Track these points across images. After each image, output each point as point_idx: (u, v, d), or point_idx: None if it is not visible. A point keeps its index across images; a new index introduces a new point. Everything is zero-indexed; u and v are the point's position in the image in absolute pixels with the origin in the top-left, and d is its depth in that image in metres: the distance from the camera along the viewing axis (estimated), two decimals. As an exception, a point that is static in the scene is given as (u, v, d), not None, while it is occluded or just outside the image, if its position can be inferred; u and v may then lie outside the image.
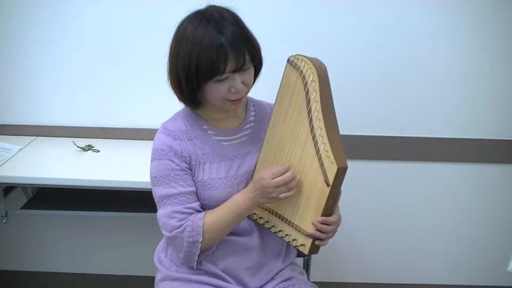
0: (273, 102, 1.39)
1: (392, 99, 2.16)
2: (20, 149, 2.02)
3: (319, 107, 1.26)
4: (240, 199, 1.33)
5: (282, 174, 1.27)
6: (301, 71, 1.28)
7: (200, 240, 1.31)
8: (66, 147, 2.06)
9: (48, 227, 2.36)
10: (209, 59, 1.22)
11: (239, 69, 1.26)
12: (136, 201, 1.98)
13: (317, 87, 1.26)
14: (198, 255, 1.34)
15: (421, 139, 2.20)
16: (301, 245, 1.33)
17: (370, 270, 2.43)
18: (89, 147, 2.05)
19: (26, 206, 2.04)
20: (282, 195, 1.27)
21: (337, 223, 1.33)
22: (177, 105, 1.41)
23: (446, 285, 2.44)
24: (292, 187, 1.28)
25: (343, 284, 2.44)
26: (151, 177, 1.36)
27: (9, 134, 2.16)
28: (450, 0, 2.04)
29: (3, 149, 1.99)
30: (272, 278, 1.44)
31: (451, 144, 2.21)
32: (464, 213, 2.33)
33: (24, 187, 2.08)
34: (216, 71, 1.23)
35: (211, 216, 1.32)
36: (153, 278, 1.50)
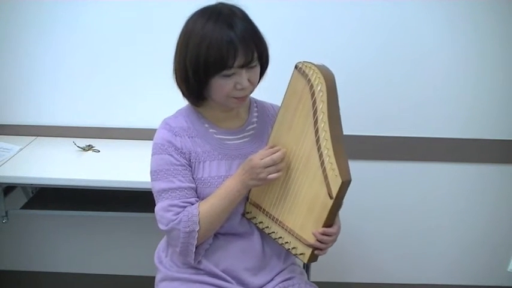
0: (275, 102, 1.38)
1: (393, 99, 2.16)
2: (20, 149, 2.02)
3: (325, 118, 1.23)
4: (230, 183, 1.32)
5: (271, 155, 1.27)
6: (309, 80, 1.26)
7: (197, 229, 1.30)
8: (66, 147, 2.06)
9: (48, 227, 2.35)
10: (218, 52, 1.22)
11: (247, 64, 1.26)
12: (136, 201, 1.98)
13: (325, 98, 1.23)
14: (196, 248, 1.33)
15: (421, 139, 2.20)
16: (301, 253, 1.33)
17: (370, 270, 2.43)
18: (89, 147, 2.05)
19: (26, 206, 2.03)
20: (271, 176, 1.27)
21: (337, 233, 1.33)
22: (177, 106, 1.41)
23: (446, 285, 2.44)
24: (280, 168, 1.28)
25: (343, 284, 2.44)
26: (151, 172, 1.36)
27: (9, 134, 2.16)
28: (451, 0, 2.04)
29: (3, 149, 1.99)
30: (272, 278, 1.44)
31: (452, 144, 2.21)
32: (465, 213, 2.33)
33: (24, 187, 2.08)
34: (225, 65, 1.23)
35: (205, 205, 1.32)
36: (153, 278, 1.50)
